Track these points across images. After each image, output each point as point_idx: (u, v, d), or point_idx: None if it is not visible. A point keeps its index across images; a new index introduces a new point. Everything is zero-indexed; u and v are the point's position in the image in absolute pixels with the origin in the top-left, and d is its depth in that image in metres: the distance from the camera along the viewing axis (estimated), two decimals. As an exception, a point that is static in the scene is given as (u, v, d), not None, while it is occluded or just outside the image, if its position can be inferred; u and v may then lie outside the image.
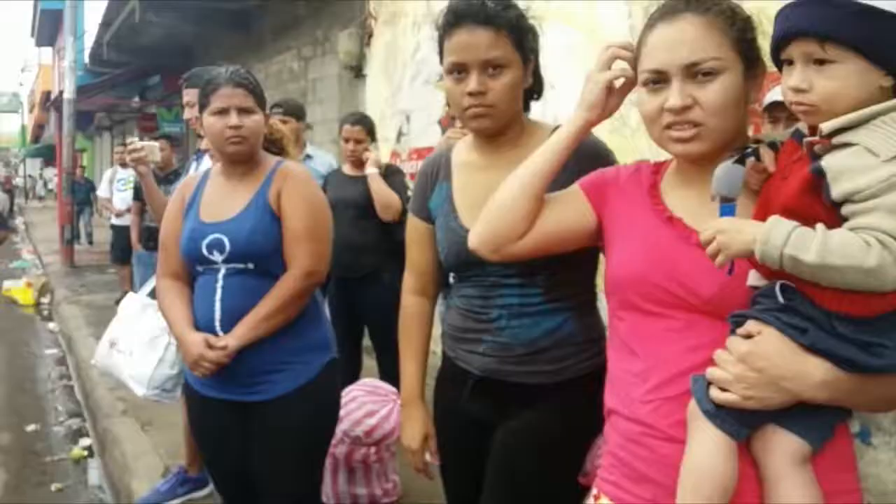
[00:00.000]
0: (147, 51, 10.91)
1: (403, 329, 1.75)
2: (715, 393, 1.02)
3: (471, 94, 1.48)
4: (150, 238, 5.48)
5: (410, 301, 1.75)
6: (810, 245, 0.90)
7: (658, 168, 1.28)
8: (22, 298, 8.77)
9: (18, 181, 33.00)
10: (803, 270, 0.91)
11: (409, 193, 1.97)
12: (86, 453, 4.15)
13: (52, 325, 7.61)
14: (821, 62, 0.95)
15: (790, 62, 0.99)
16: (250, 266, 1.96)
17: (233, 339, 1.92)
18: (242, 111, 1.95)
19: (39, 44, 26.02)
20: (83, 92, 12.00)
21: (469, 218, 1.52)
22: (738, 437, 1.02)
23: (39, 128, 31.71)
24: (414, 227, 1.74)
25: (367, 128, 3.76)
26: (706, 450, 1.02)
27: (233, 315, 1.94)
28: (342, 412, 2.41)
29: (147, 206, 4.23)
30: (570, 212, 1.29)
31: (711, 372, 1.03)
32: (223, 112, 1.94)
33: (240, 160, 2.02)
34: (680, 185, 1.21)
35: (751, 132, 1.20)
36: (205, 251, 1.97)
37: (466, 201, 1.57)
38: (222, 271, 1.97)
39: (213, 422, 2.08)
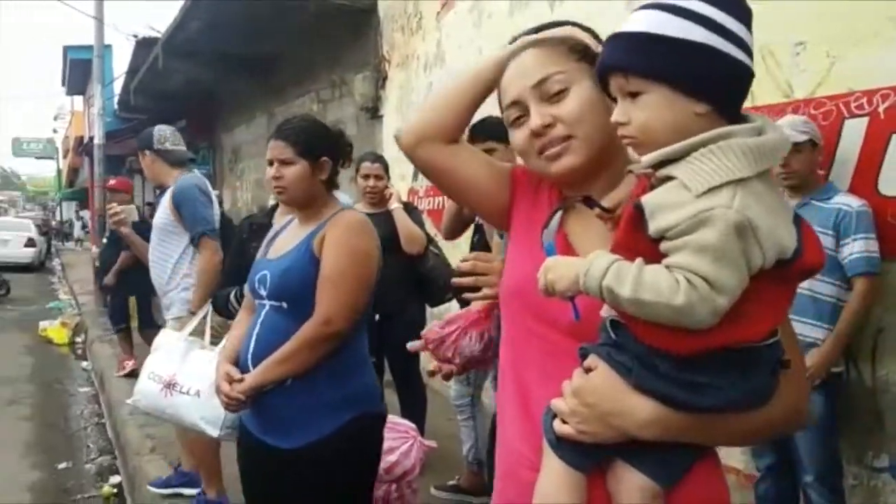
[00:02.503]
0: (172, 96, 11.25)
1: None
2: (556, 424, 1.01)
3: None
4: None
5: None
6: (626, 279, 0.89)
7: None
8: (57, 338, 8.99)
9: (54, 224, 33.82)
10: (621, 304, 0.90)
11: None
12: (115, 491, 4.23)
13: (85, 364, 7.78)
14: (633, 95, 0.94)
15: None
16: (284, 305, 1.98)
17: (250, 377, 1.95)
18: (282, 163, 2.04)
19: (70, 92, 26.77)
20: (112, 137, 12.33)
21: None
22: (581, 469, 1.00)
23: (74, 172, 32.54)
24: None
25: (385, 166, 3.84)
26: (552, 480, 1.02)
27: (263, 351, 1.97)
28: None
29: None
30: (492, 174, 1.26)
31: (555, 403, 1.02)
32: (270, 163, 2.07)
33: (292, 206, 2.11)
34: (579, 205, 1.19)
35: None
36: (256, 285, 2.05)
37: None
38: (266, 307, 2.02)
39: (248, 459, 2.10)
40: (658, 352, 0.92)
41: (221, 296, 2.65)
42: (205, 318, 2.70)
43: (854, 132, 2.69)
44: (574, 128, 1.10)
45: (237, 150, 11.62)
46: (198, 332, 2.80)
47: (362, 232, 2.05)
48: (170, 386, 2.50)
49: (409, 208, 3.89)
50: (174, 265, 3.31)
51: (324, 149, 2.08)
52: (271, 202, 3.69)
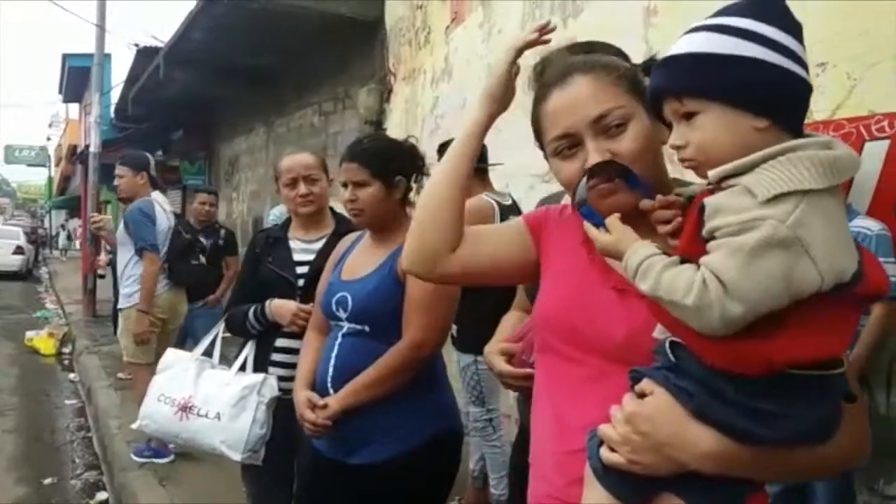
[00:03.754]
0: (170, 106, 11.19)
1: None
2: (604, 452, 0.96)
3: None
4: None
5: None
6: (649, 275, 0.90)
7: None
8: (43, 348, 8.82)
9: (42, 232, 33.62)
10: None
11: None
12: (102, 508, 4.10)
13: (72, 376, 7.62)
14: (688, 116, 0.93)
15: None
16: (366, 328, 1.96)
17: (335, 402, 1.92)
18: (356, 185, 2.03)
19: (67, 100, 26.72)
20: (108, 146, 12.27)
21: None
22: (627, 501, 0.95)
23: (65, 180, 32.38)
24: None
25: None
26: None
27: (343, 375, 1.95)
28: None
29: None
30: (511, 242, 1.26)
31: (603, 429, 0.97)
32: (344, 186, 2.06)
33: (369, 228, 2.10)
34: None
35: None
36: (333, 307, 2.01)
37: None
38: (343, 329, 2.00)
39: (317, 479, 2.06)
40: (724, 375, 0.87)
41: (238, 314, 2.51)
42: (216, 338, 2.59)
43: (874, 155, 2.64)
44: (632, 165, 1.07)
45: (234, 160, 11.55)
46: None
47: None
48: (185, 409, 2.39)
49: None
50: (125, 267, 4.39)
51: (397, 167, 2.05)
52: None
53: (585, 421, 1.03)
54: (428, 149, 5.90)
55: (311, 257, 2.47)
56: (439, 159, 1.69)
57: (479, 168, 3.12)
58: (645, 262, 0.92)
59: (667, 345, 0.94)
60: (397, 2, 6.20)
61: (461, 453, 2.10)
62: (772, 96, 0.89)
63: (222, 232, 5.81)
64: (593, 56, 1.16)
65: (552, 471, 1.10)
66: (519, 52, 1.21)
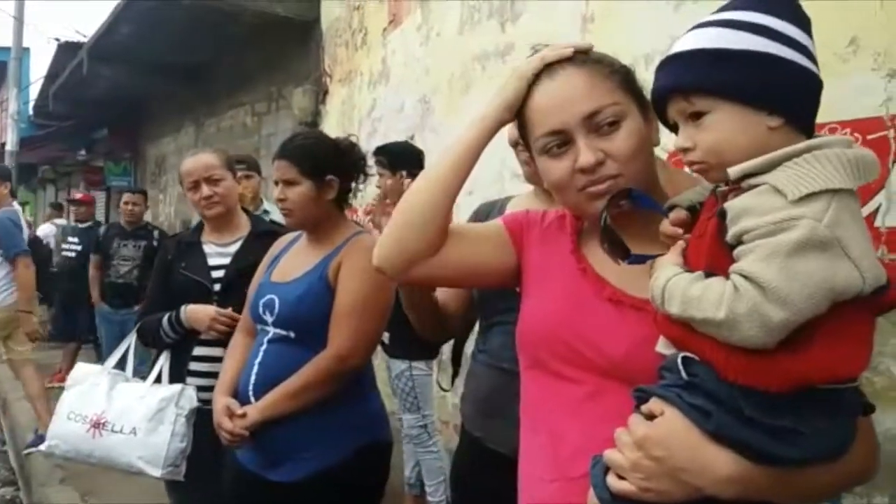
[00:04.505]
0: (94, 104, 10.74)
1: None
2: (611, 480, 0.88)
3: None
4: (117, 295, 5.37)
5: None
6: (675, 295, 0.84)
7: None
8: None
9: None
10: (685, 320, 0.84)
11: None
12: (18, 526, 3.89)
13: (-16, 388, 7.20)
14: (695, 116, 0.89)
15: (677, 126, 0.94)
16: (292, 335, 1.89)
17: (254, 411, 1.84)
18: (286, 183, 1.96)
19: (-19, 95, 25.43)
20: (26, 144, 11.74)
21: None
22: None
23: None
24: None
25: None
26: None
27: (266, 383, 1.87)
28: None
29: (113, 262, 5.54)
30: (490, 246, 1.18)
31: (609, 455, 0.89)
32: (276, 183, 1.99)
33: (301, 228, 2.05)
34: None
35: None
36: (260, 310, 1.94)
37: None
38: (269, 335, 1.93)
39: (240, 494, 1.97)
40: (746, 391, 0.81)
41: (151, 323, 2.38)
42: (128, 349, 2.47)
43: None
44: (625, 166, 1.01)
45: (161, 161, 11.19)
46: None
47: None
48: (98, 426, 2.24)
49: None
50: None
51: (330, 167, 1.97)
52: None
53: (585, 444, 0.96)
54: (366, 152, 5.81)
55: (226, 261, 2.38)
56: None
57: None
58: (669, 283, 0.85)
59: (679, 361, 0.86)
60: (334, 3, 6.12)
61: (388, 465, 2.03)
62: (787, 94, 0.86)
63: (155, 233, 5.68)
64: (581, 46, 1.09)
65: (549, 499, 1.01)
66: (548, 65, 1.09)
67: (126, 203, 5.60)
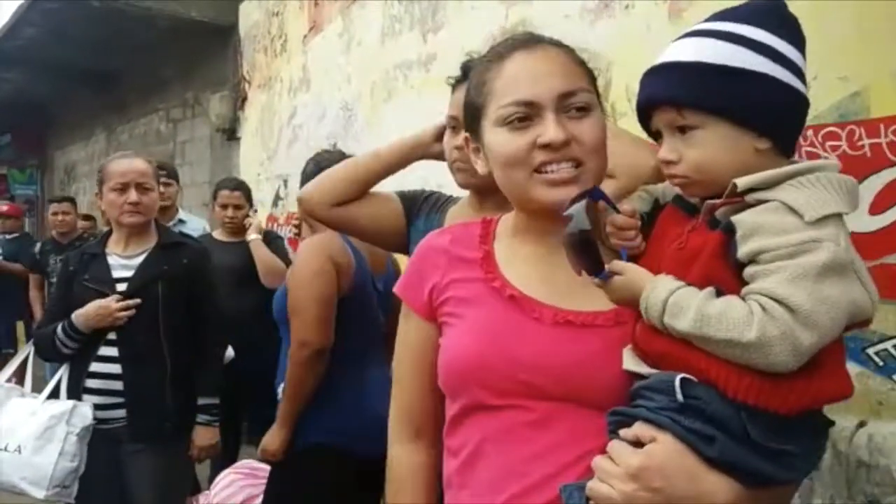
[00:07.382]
0: (-3, 108, 10.20)
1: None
2: None
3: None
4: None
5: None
6: (687, 311, 0.78)
7: (487, 229, 1.09)
8: None
9: None
10: (687, 338, 0.80)
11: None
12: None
13: None
14: (684, 130, 0.86)
15: (660, 133, 0.91)
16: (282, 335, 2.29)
17: (277, 431, 2.12)
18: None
19: None
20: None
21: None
22: None
23: None
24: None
25: (246, 194, 3.71)
26: None
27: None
28: (216, 499, 2.26)
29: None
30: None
31: (594, 488, 0.82)
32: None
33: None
34: (523, 244, 1.04)
35: None
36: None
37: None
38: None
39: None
40: (754, 413, 0.78)
41: (46, 334, 2.26)
42: (25, 361, 2.33)
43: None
44: (589, 156, 0.95)
45: (71, 169, 10.70)
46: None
47: (306, 251, 2.16)
48: None
49: (271, 237, 3.74)
50: None
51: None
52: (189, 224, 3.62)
53: (539, 474, 0.90)
54: (287, 159, 5.75)
55: (130, 273, 2.30)
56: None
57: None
58: (672, 296, 0.80)
59: (677, 383, 0.80)
60: (252, 7, 6.00)
61: (346, 471, 2.01)
62: (782, 119, 0.85)
63: (92, 241, 5.35)
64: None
65: None
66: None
67: (55, 214, 5.27)
